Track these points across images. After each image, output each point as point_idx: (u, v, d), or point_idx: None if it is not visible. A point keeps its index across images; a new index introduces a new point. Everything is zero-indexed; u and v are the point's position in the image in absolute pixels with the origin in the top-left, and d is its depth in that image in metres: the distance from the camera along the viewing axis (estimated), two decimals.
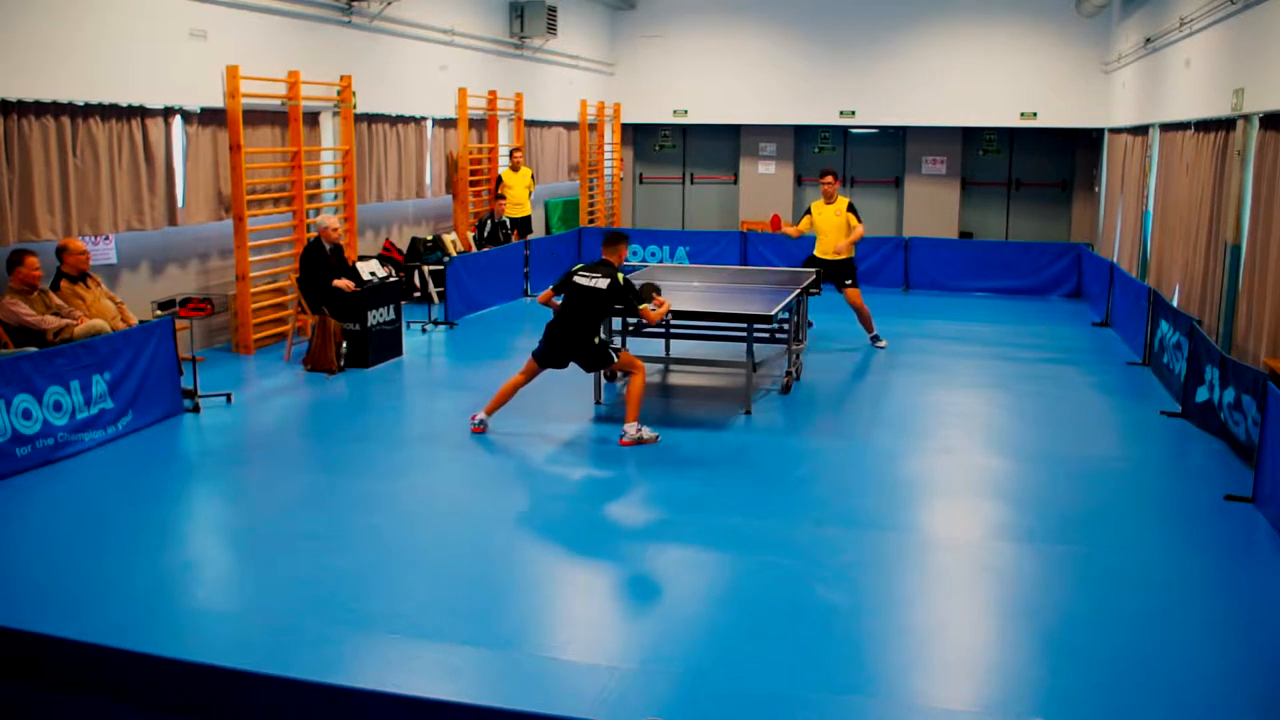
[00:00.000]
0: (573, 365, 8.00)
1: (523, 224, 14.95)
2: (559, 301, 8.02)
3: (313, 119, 11.48)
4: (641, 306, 7.87)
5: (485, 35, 14.73)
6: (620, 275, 7.90)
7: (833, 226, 11.18)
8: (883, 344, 11.21)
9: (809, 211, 11.36)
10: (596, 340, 7.85)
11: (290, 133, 10.86)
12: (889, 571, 5.67)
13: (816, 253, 11.26)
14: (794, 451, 7.73)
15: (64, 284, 8.05)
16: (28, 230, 8.17)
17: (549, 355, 7.96)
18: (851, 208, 11.30)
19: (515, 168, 14.91)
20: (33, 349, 7.30)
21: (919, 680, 4.56)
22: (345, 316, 9.87)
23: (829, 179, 11.27)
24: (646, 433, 7.75)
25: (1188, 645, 4.84)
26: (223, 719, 3.34)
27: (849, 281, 11.11)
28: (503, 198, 14.46)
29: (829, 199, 11.21)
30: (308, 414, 8.74)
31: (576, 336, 7.85)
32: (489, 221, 14.14)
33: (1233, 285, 9.42)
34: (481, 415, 8.00)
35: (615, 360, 7.90)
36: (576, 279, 7.91)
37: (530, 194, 15.18)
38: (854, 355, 10.91)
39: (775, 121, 19.08)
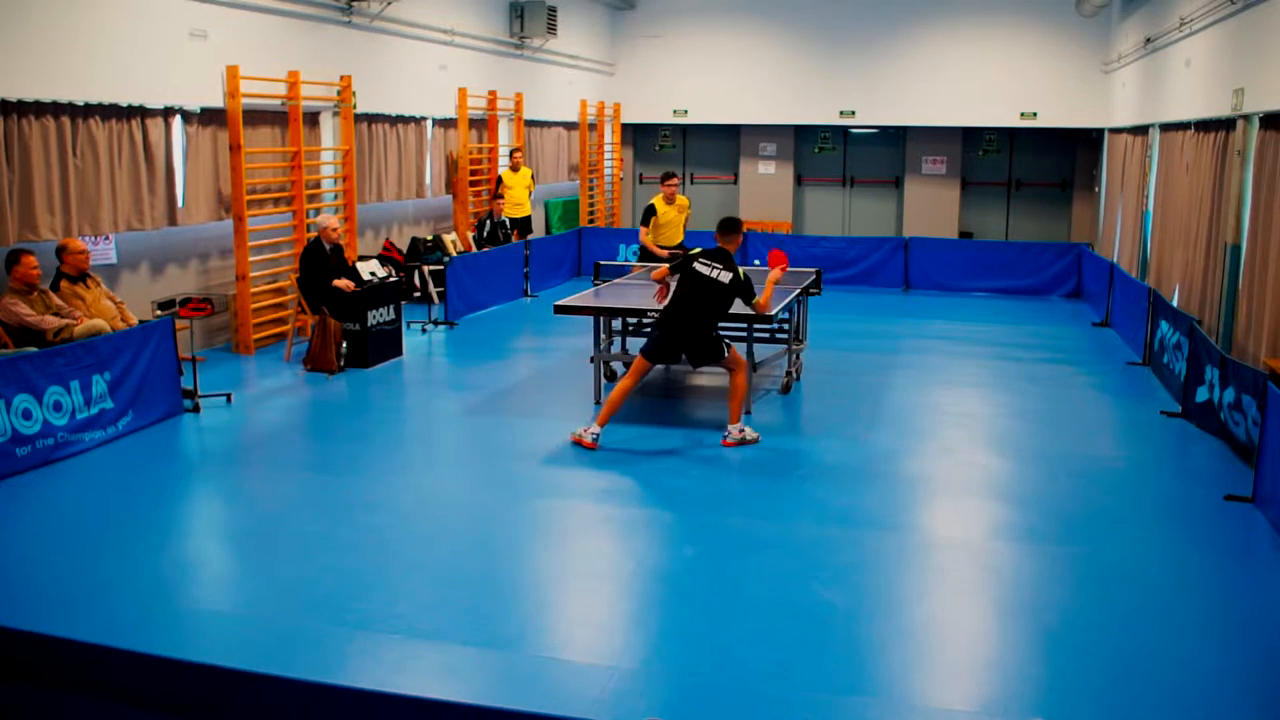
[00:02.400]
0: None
1: (523, 224, 14.95)
2: (672, 283, 7.74)
3: (313, 119, 11.48)
4: (755, 300, 7.70)
5: (485, 35, 14.73)
6: (741, 270, 7.69)
7: (675, 224, 11.42)
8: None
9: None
10: (715, 334, 7.66)
11: (290, 133, 10.86)
12: (889, 571, 5.67)
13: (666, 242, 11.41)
14: (794, 451, 7.72)
15: (64, 284, 8.06)
16: (28, 230, 8.17)
17: (663, 347, 7.67)
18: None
19: (515, 168, 14.90)
20: (33, 349, 7.30)
21: (919, 680, 4.56)
22: (345, 316, 9.87)
23: (673, 181, 11.48)
24: (749, 432, 7.66)
25: (1188, 645, 4.84)
26: (223, 719, 3.34)
27: None
28: (501, 197, 14.45)
29: (669, 200, 11.36)
30: (308, 414, 8.74)
31: (696, 327, 7.58)
32: (488, 221, 14.15)
33: (1233, 285, 9.42)
34: (595, 430, 7.59)
35: (727, 355, 7.67)
36: (697, 266, 7.61)
37: (530, 194, 15.17)
38: (854, 355, 10.91)
39: (775, 121, 19.08)
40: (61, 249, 8.11)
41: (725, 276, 7.58)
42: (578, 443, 7.59)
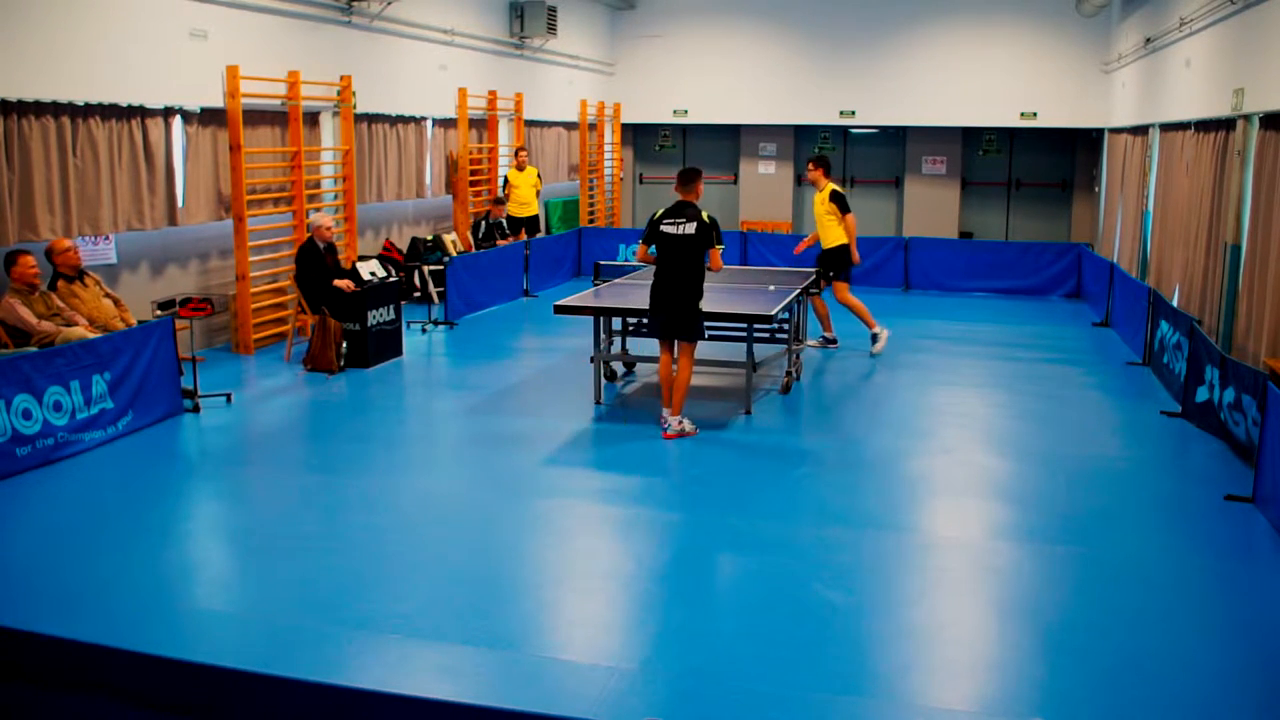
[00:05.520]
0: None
1: (530, 223, 15.00)
2: (653, 254, 7.70)
3: (313, 119, 11.48)
4: (713, 250, 7.58)
5: (485, 35, 14.73)
6: (705, 214, 7.58)
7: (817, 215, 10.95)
8: (825, 342, 11.10)
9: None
10: (700, 303, 7.61)
11: (290, 133, 10.86)
12: (889, 571, 5.67)
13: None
14: (794, 451, 7.72)
15: (60, 284, 8.05)
16: (28, 230, 8.17)
17: (657, 324, 7.75)
18: (835, 197, 10.79)
19: (520, 167, 14.96)
20: (33, 349, 7.30)
21: (919, 680, 4.56)
22: (345, 316, 9.87)
23: (810, 166, 10.92)
24: (688, 425, 7.79)
25: (1188, 645, 4.84)
26: (223, 719, 3.33)
27: (833, 274, 10.86)
28: (502, 201, 14.45)
29: (817, 187, 10.87)
30: (308, 414, 8.74)
31: (679, 296, 7.54)
32: (483, 222, 14.14)
33: (1233, 285, 9.42)
34: (667, 417, 7.79)
35: (699, 339, 7.71)
36: (663, 228, 7.57)
37: (539, 193, 15.23)
38: (854, 355, 10.90)
39: (775, 121, 19.08)
40: (49, 251, 8.09)
41: (690, 228, 7.52)
42: (677, 437, 7.75)
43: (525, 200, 14.95)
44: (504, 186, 14.84)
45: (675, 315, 7.65)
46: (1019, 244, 16.30)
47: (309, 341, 9.90)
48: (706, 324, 9.37)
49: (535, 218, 15.26)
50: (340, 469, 7.21)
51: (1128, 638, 4.89)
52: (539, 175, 15.35)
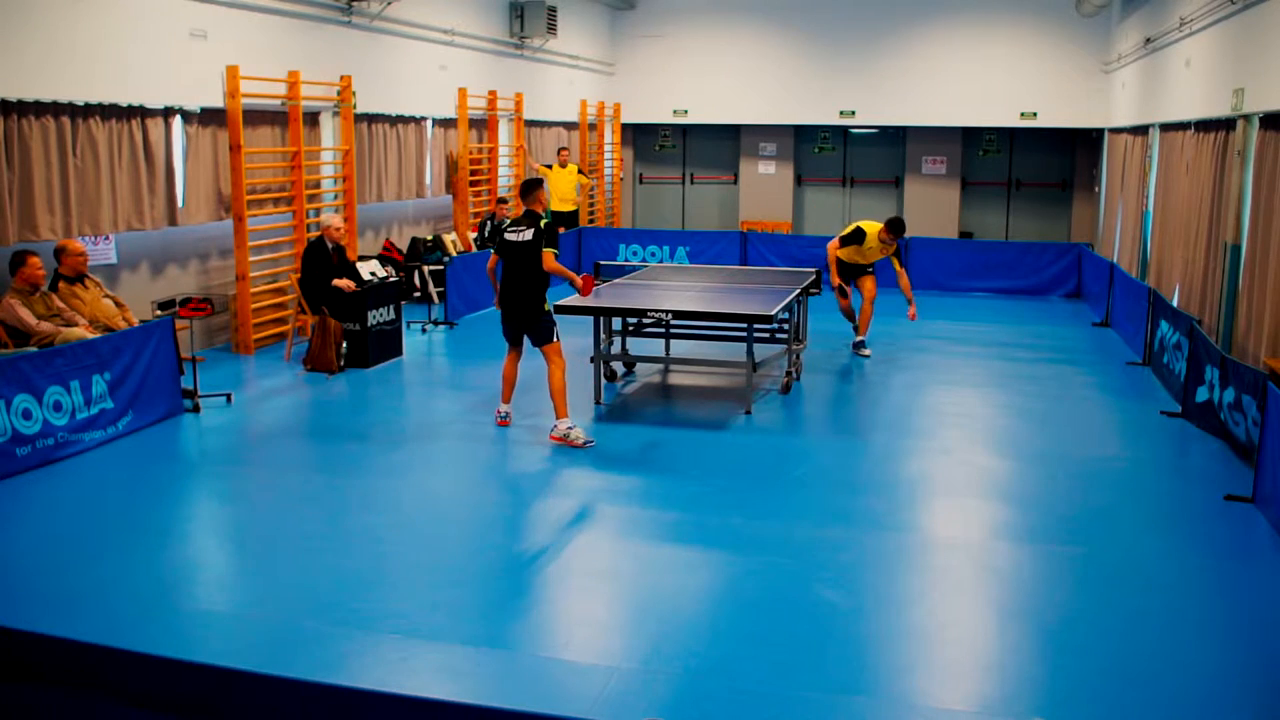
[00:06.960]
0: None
1: (570, 219, 15.51)
2: (499, 270, 7.97)
3: (313, 119, 11.48)
4: (545, 251, 7.67)
5: (485, 35, 14.74)
6: (543, 221, 7.82)
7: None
8: (866, 353, 10.92)
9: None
10: (546, 307, 7.80)
11: (290, 133, 10.86)
12: (889, 571, 5.67)
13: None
14: (794, 451, 7.72)
15: (61, 285, 8.05)
16: (28, 230, 8.17)
17: (507, 329, 7.99)
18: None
19: (563, 164, 15.57)
20: (33, 349, 7.30)
21: (919, 680, 4.56)
22: (345, 316, 9.87)
23: (893, 235, 10.66)
24: (576, 433, 7.61)
25: (1188, 645, 4.84)
26: (223, 719, 3.34)
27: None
28: (505, 200, 14.46)
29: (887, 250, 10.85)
30: (308, 414, 8.74)
31: (521, 300, 7.79)
32: (489, 223, 14.16)
33: (1233, 285, 9.42)
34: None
35: (552, 342, 7.78)
36: (506, 235, 7.87)
37: (589, 191, 15.74)
38: (854, 355, 10.89)
39: (775, 121, 19.08)
40: (60, 250, 8.10)
41: (528, 234, 7.74)
42: (502, 424, 8.10)
43: (565, 196, 15.50)
44: (505, 201, 14.79)
45: (520, 318, 7.86)
46: (1019, 244, 16.31)
47: (309, 341, 9.90)
48: (706, 323, 9.42)
49: (575, 213, 15.85)
50: (340, 469, 7.20)
51: (1128, 638, 4.89)
52: (581, 171, 15.95)
